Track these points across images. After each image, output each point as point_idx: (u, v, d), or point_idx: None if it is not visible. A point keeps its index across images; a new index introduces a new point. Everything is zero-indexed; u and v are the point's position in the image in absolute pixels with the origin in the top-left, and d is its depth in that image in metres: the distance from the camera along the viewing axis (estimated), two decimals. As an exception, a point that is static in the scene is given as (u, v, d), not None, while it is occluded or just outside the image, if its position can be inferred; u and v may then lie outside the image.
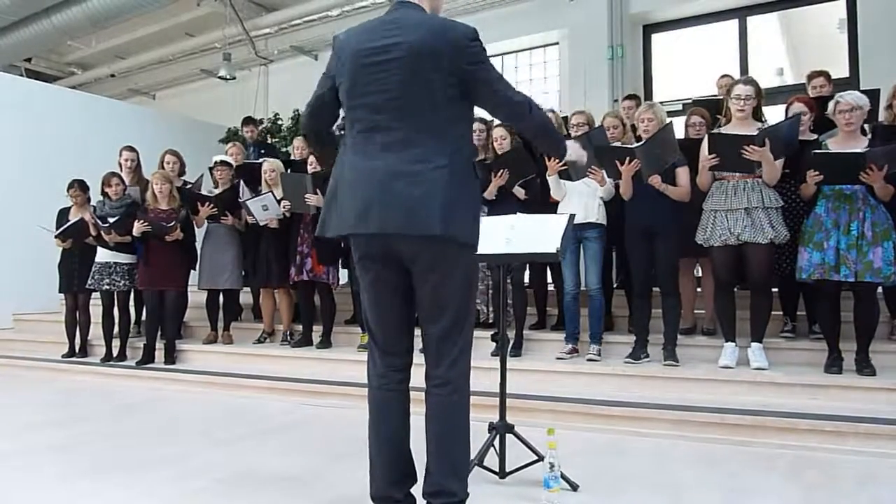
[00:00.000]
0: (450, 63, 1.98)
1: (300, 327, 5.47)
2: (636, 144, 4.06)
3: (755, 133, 3.74)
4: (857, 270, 3.58)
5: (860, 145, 3.67)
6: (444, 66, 1.98)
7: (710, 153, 3.87)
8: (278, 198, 5.23)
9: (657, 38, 7.99)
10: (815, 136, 4.10)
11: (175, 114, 10.14)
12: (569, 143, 2.38)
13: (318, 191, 4.98)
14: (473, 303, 2.21)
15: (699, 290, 4.89)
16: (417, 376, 2.19)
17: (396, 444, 2.14)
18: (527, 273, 5.09)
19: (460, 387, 2.10)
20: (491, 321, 4.90)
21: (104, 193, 5.60)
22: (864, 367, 3.66)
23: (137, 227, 5.29)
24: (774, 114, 4.89)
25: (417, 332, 2.19)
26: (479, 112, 2.24)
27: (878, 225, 3.61)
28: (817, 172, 3.66)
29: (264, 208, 5.27)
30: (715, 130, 4.12)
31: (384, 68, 2.01)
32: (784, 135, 3.80)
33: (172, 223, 5.34)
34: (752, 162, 3.75)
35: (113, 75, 11.42)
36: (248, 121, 7.26)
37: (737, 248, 3.91)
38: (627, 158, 3.99)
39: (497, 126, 4.80)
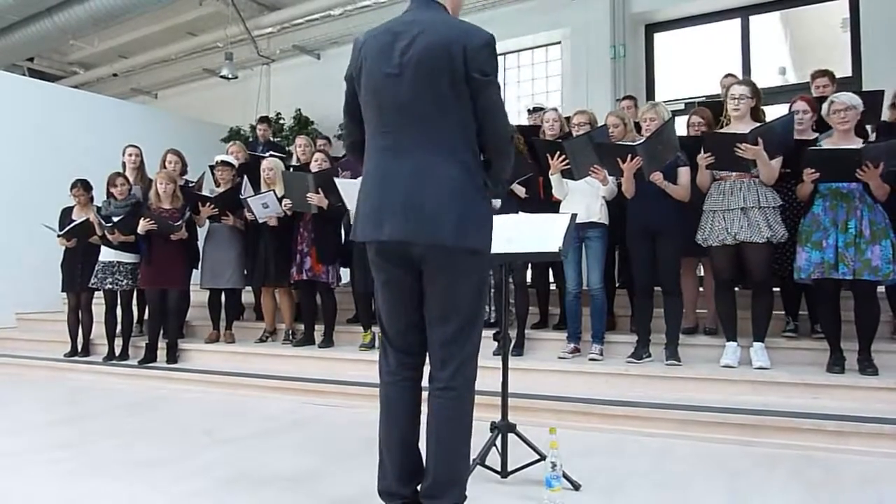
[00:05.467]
0: (462, 67, 1.95)
1: (302, 326, 5.48)
2: (637, 142, 4.06)
3: (748, 132, 3.74)
4: (855, 268, 3.58)
5: (855, 145, 3.67)
6: (456, 71, 1.95)
7: (704, 152, 3.88)
8: (279, 195, 5.24)
9: (659, 38, 7.97)
10: (815, 136, 4.09)
11: (177, 113, 10.13)
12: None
13: (319, 190, 4.98)
14: (483, 309, 2.18)
15: (701, 289, 4.88)
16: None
17: (406, 441, 2.13)
18: (529, 272, 5.09)
19: (463, 394, 2.07)
20: (493, 321, 4.90)
21: (109, 193, 5.61)
22: (867, 366, 3.65)
23: (143, 225, 5.30)
24: (778, 113, 4.87)
25: None
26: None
27: (876, 224, 3.62)
28: (814, 170, 3.66)
29: (265, 206, 5.27)
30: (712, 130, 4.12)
31: (395, 73, 1.99)
32: (778, 133, 3.80)
33: (178, 222, 5.35)
34: (746, 161, 3.75)
35: (115, 75, 11.41)
36: (263, 119, 7.35)
37: (735, 247, 3.91)
38: (629, 156, 3.98)
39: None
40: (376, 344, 5.06)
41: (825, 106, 3.81)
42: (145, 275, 5.46)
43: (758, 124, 3.92)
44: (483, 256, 2.08)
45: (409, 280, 2.09)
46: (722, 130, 3.99)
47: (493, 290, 4.96)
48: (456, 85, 1.97)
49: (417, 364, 2.17)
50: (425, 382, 2.16)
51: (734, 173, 3.90)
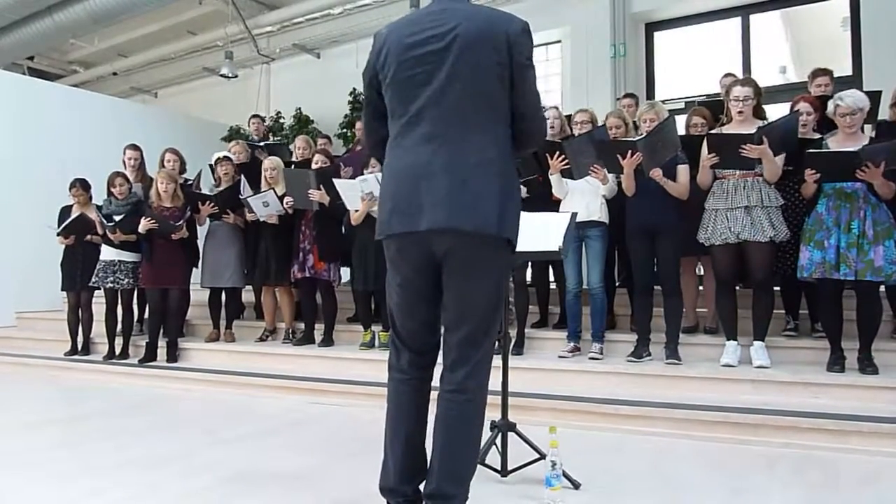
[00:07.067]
0: (503, 54, 1.95)
1: (302, 325, 5.48)
2: (638, 138, 4.06)
3: (753, 132, 3.73)
4: (857, 269, 3.57)
5: (860, 144, 3.66)
6: (495, 58, 1.94)
7: (709, 153, 3.88)
8: (279, 194, 5.24)
9: (659, 37, 7.98)
10: (818, 136, 4.08)
11: (177, 112, 10.14)
12: None
13: (321, 187, 4.99)
14: (500, 312, 2.12)
15: (701, 288, 4.88)
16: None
17: (411, 439, 2.10)
18: (529, 271, 5.09)
19: (476, 397, 2.03)
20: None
21: (109, 193, 5.62)
22: (867, 365, 3.65)
23: (144, 224, 5.30)
24: (779, 112, 4.87)
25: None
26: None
27: (879, 223, 3.61)
28: (815, 171, 3.66)
29: (265, 205, 5.28)
30: (714, 131, 4.12)
31: (430, 59, 1.97)
32: (781, 131, 3.80)
33: (179, 221, 5.35)
34: (752, 159, 3.75)
35: (115, 74, 11.42)
36: (253, 118, 7.36)
37: (737, 246, 3.91)
38: (629, 152, 3.98)
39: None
40: (376, 343, 5.06)
41: (830, 106, 3.79)
42: (146, 274, 5.46)
43: (760, 123, 3.92)
44: (509, 251, 2.06)
45: (426, 282, 2.05)
46: (725, 130, 3.98)
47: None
48: (497, 72, 1.96)
49: (429, 363, 2.14)
50: (435, 382, 2.12)
51: (738, 172, 3.90)
